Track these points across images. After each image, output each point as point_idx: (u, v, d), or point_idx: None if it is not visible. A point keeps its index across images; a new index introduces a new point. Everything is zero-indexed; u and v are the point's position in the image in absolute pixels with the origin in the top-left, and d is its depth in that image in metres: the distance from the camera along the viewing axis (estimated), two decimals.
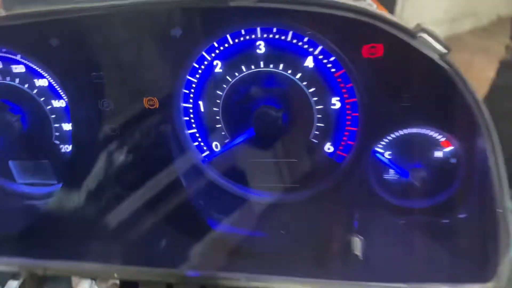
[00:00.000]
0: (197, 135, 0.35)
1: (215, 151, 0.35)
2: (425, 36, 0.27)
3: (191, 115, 0.34)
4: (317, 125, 0.32)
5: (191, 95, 0.33)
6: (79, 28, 0.32)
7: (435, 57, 0.27)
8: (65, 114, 0.36)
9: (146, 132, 0.34)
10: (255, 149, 0.34)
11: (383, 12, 0.28)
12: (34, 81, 0.35)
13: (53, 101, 0.35)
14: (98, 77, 0.33)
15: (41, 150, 0.37)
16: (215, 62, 0.32)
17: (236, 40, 0.31)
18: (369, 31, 0.27)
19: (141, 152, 0.35)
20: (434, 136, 0.32)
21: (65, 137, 0.37)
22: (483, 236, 0.29)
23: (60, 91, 0.35)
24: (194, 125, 0.35)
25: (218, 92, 0.33)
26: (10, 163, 0.38)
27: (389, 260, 0.31)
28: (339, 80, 0.31)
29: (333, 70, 0.31)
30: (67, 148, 0.37)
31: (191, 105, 0.34)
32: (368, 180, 0.34)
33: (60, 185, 0.37)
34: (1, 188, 0.40)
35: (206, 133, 0.35)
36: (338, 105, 0.32)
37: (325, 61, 0.31)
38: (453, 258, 0.30)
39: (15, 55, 0.34)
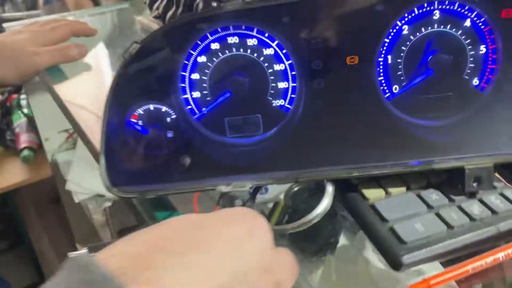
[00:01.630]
0: (383, 81, 0.49)
1: (397, 92, 0.49)
2: None
3: None
4: (469, 65, 0.48)
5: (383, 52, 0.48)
6: (305, 8, 0.46)
7: None
8: (282, 75, 0.48)
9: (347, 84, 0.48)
10: (424, 87, 0.49)
11: None
12: (262, 51, 0.48)
13: (274, 65, 0.48)
14: (313, 44, 0.47)
15: (256, 106, 0.49)
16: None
17: None
18: None
19: (343, 99, 0.48)
20: None
21: (277, 94, 0.49)
22: None
23: (282, 56, 0.48)
24: (381, 76, 0.49)
25: (403, 47, 0.48)
26: (226, 120, 0.50)
27: None
28: (486, 33, 0.47)
29: (482, 27, 0.47)
30: (277, 102, 0.49)
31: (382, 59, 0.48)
32: None
33: (266, 134, 0.50)
34: (214, 141, 0.51)
35: (390, 79, 0.49)
36: (484, 50, 0.48)
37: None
38: None
39: (252, 30, 0.47)
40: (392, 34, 0.47)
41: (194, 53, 0.48)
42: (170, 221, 0.26)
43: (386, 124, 0.47)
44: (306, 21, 0.46)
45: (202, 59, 0.48)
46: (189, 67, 0.48)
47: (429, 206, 0.44)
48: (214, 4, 0.73)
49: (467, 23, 0.46)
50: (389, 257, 0.40)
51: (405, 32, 0.47)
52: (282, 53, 0.47)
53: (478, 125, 0.47)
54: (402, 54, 0.48)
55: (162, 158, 0.49)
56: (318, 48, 0.46)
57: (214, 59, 0.48)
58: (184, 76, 0.48)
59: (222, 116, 0.45)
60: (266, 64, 0.48)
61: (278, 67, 0.48)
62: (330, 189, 0.45)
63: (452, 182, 0.46)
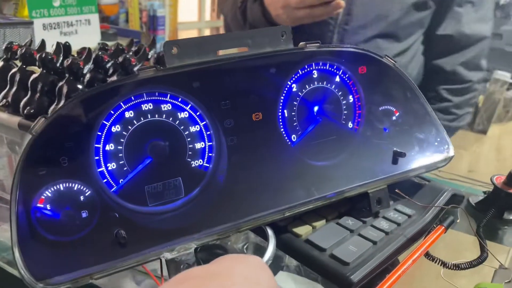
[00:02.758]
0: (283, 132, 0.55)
1: (295, 140, 0.56)
2: None
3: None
4: (344, 113, 0.59)
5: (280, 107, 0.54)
6: (213, 74, 0.50)
7: None
8: (198, 136, 0.50)
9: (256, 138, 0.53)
10: (314, 134, 0.57)
11: None
12: (177, 114, 0.49)
13: (190, 127, 0.50)
14: (223, 105, 0.51)
15: (176, 169, 0.49)
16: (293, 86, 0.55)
17: None
18: None
19: (256, 152, 0.52)
20: None
21: (195, 154, 0.50)
22: None
23: (197, 118, 0.50)
24: (282, 128, 0.55)
25: (294, 102, 0.55)
26: (145, 188, 0.49)
27: None
28: (350, 84, 0.58)
29: (348, 81, 0.58)
30: (196, 162, 0.51)
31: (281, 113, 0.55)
32: None
33: (189, 196, 0.50)
34: (137, 212, 0.49)
35: (288, 131, 0.55)
36: (351, 99, 0.59)
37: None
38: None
39: (166, 96, 0.48)
40: (285, 91, 0.54)
41: (108, 123, 0.46)
42: (177, 278, 0.26)
43: (295, 167, 0.53)
44: (214, 85, 0.50)
45: (116, 128, 0.46)
46: (102, 138, 0.46)
47: (350, 231, 0.50)
48: (79, 86, 0.71)
49: (337, 79, 0.58)
50: (339, 279, 0.44)
51: (294, 89, 0.55)
52: (196, 115, 0.50)
53: (358, 159, 0.57)
54: (295, 108, 0.55)
55: (83, 240, 0.44)
56: (227, 108, 0.51)
57: (129, 127, 0.47)
58: (98, 149, 0.46)
59: (141, 184, 0.45)
60: (182, 127, 0.49)
61: (193, 128, 0.50)
62: (270, 232, 0.47)
63: (357, 208, 0.53)
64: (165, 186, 0.48)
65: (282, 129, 0.54)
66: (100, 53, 0.65)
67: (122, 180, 0.46)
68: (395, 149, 0.55)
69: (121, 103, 0.46)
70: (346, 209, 0.53)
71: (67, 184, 0.44)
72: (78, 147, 0.45)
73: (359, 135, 0.58)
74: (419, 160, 0.57)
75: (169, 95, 0.48)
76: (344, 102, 0.58)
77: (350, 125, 0.58)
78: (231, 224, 0.47)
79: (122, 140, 0.47)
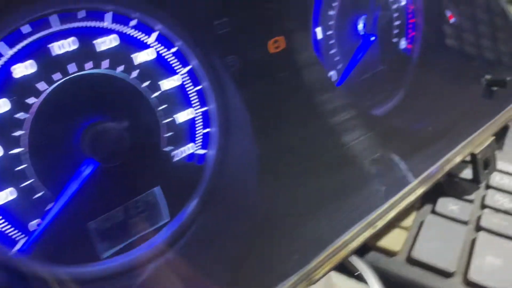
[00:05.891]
0: None
1: (335, 81, 0.32)
2: None
3: None
4: (395, 24, 0.36)
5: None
6: None
7: None
8: (178, 98, 0.24)
9: None
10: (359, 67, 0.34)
11: None
12: (133, 58, 0.22)
13: (161, 82, 0.24)
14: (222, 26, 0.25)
15: (148, 172, 0.24)
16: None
17: None
18: None
19: None
20: None
21: (178, 136, 0.25)
22: None
23: (174, 60, 0.24)
24: None
25: (330, 12, 0.31)
26: (90, 226, 0.23)
27: None
28: None
29: None
30: (182, 152, 0.25)
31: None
32: None
33: (179, 219, 0.25)
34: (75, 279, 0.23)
35: (324, 62, 0.31)
36: (404, 1, 0.36)
37: None
38: None
39: (102, 18, 0.21)
40: None
41: None
42: None
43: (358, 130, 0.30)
44: None
45: (3, 104, 0.19)
46: None
47: (464, 223, 0.29)
48: None
49: None
50: None
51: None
52: (171, 52, 0.24)
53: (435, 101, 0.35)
54: (331, 23, 0.31)
55: None
56: (225, 32, 0.25)
57: (34, 98, 0.20)
58: None
59: (77, 222, 0.22)
60: (144, 85, 0.23)
61: (168, 83, 0.24)
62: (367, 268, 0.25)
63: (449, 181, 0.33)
64: (129, 211, 0.23)
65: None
66: None
67: (35, 222, 0.20)
68: (487, 76, 0.35)
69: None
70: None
71: None
72: None
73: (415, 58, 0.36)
74: None
75: (111, 14, 0.22)
76: (394, 6, 0.35)
77: (402, 44, 0.36)
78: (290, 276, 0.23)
79: (21, 132, 0.20)
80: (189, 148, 0.25)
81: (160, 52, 0.24)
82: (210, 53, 0.25)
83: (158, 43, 0.23)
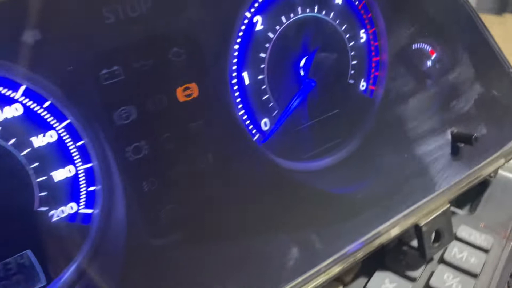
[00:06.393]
0: (245, 116, 0.28)
1: (268, 129, 0.29)
2: None
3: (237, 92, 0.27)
4: (352, 64, 0.32)
5: (234, 67, 0.27)
6: None
7: None
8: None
9: None
10: (300, 113, 0.31)
11: None
12: None
13: None
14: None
15: None
16: (255, 19, 0.27)
17: None
18: None
19: None
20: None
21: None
22: None
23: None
24: (240, 105, 0.28)
25: (261, 55, 0.28)
26: None
27: None
28: (362, 11, 0.31)
29: (356, 3, 0.31)
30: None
31: (235, 80, 0.27)
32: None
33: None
34: None
35: (253, 110, 0.28)
36: (364, 37, 0.32)
37: None
38: None
39: None
40: (241, 32, 0.27)
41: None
42: None
43: (278, 194, 0.27)
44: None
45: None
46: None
47: None
48: None
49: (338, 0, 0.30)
50: None
51: (259, 25, 0.27)
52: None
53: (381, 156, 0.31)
54: (263, 66, 0.28)
55: None
56: (115, 83, 0.23)
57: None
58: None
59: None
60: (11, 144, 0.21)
61: (40, 140, 0.22)
62: None
63: (393, 250, 0.28)
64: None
65: (241, 114, 0.27)
66: None
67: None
68: (453, 129, 0.30)
69: None
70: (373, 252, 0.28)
71: None
72: None
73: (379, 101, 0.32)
74: (494, 141, 0.31)
75: None
76: (351, 44, 0.31)
77: (362, 85, 0.32)
78: None
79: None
80: (71, 208, 0.23)
81: (31, 106, 0.22)
82: (91, 107, 0.23)
83: (26, 98, 0.21)
